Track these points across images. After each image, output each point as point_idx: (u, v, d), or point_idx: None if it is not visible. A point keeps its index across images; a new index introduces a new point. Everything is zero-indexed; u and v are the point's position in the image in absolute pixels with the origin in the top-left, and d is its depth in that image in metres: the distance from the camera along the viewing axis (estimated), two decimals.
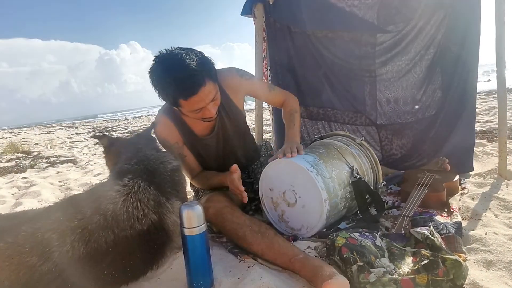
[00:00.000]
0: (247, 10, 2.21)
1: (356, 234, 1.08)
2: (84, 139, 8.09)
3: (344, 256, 0.98)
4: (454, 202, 1.46)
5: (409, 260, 1.02)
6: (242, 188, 1.25)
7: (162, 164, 1.20)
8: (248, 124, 1.64)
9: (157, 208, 1.06)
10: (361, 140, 1.49)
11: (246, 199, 1.26)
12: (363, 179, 1.32)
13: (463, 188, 1.63)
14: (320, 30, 2.12)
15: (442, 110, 1.98)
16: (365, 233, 1.13)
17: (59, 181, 3.05)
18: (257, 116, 2.34)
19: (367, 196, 1.33)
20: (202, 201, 1.37)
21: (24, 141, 7.90)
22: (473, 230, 1.22)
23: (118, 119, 23.13)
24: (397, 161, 2.13)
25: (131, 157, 1.19)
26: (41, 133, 11.68)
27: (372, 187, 1.40)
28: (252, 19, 2.22)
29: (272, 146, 2.26)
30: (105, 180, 1.45)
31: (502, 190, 1.56)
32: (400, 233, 1.19)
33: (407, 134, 2.11)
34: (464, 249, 1.08)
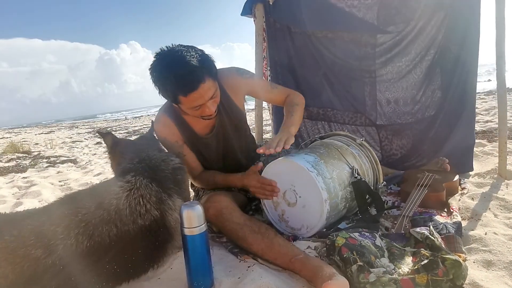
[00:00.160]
0: (247, 10, 2.22)
1: (356, 234, 1.08)
2: (85, 139, 8.09)
3: (344, 256, 0.98)
4: (454, 202, 1.46)
5: (409, 260, 1.02)
6: (274, 182, 1.28)
7: (163, 162, 1.22)
8: (248, 124, 1.64)
9: (159, 205, 1.07)
10: (362, 140, 1.49)
11: (278, 190, 1.29)
12: (363, 179, 1.32)
13: (463, 188, 1.63)
14: (320, 31, 2.12)
15: (442, 110, 1.98)
16: (365, 233, 1.13)
17: (60, 181, 3.05)
18: (257, 116, 2.34)
19: (367, 196, 1.33)
20: (202, 201, 1.37)
21: (24, 141, 7.91)
22: (473, 230, 1.22)
23: (118, 119, 23.14)
24: (397, 161, 2.13)
25: (133, 157, 1.21)
26: (41, 133, 11.69)
27: (372, 187, 1.41)
28: (252, 19, 2.23)
29: None
30: (108, 179, 1.46)
31: (502, 190, 1.56)
32: (400, 233, 1.19)
33: (407, 134, 2.11)
34: (463, 249, 1.08)
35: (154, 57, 1.25)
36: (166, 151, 1.40)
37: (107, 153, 1.40)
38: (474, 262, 1.03)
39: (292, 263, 1.01)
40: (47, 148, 6.29)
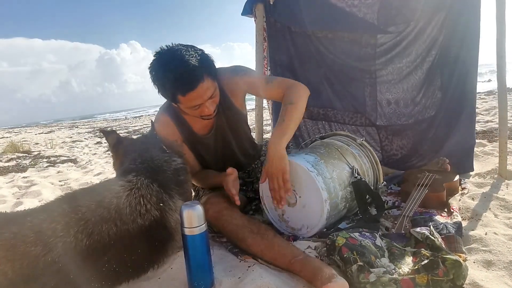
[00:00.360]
0: (248, 10, 2.21)
1: (356, 234, 1.08)
2: (85, 138, 8.10)
3: (344, 256, 0.98)
4: (454, 202, 1.46)
5: (409, 260, 1.02)
6: (234, 192, 1.25)
7: (165, 163, 1.21)
8: (248, 124, 1.63)
9: (160, 205, 1.07)
10: (362, 140, 1.49)
11: (238, 202, 1.25)
12: (363, 179, 1.32)
13: (463, 188, 1.63)
14: (320, 31, 2.12)
15: (442, 110, 1.98)
16: (365, 233, 1.13)
17: (60, 181, 3.05)
18: (257, 116, 2.34)
19: (367, 196, 1.33)
20: (201, 201, 1.37)
21: (24, 141, 7.91)
22: (473, 230, 1.22)
23: (118, 118, 23.14)
24: (397, 162, 2.13)
25: (136, 157, 1.21)
26: (42, 133, 11.69)
27: (372, 187, 1.41)
28: (252, 19, 2.23)
29: None
30: (109, 179, 1.46)
31: (502, 190, 1.56)
32: (400, 233, 1.19)
33: (407, 134, 2.11)
34: (464, 249, 1.08)
35: (154, 56, 1.25)
36: (168, 151, 1.40)
37: (109, 151, 1.39)
38: (474, 262, 1.03)
39: (291, 264, 1.01)
40: (47, 147, 6.29)
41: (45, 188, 2.67)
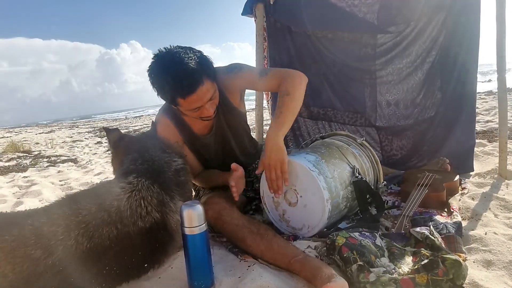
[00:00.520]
0: (248, 10, 2.22)
1: (356, 234, 1.08)
2: (85, 138, 8.10)
3: (344, 255, 0.98)
4: (454, 202, 1.46)
5: (409, 259, 1.02)
6: (233, 183, 1.26)
7: (166, 163, 1.21)
8: (248, 123, 1.63)
9: (160, 207, 1.07)
10: (362, 140, 1.49)
11: (236, 198, 1.27)
12: (364, 179, 1.32)
13: (463, 188, 1.64)
14: (320, 31, 2.12)
15: (442, 110, 1.98)
16: (365, 232, 1.13)
17: (60, 181, 3.05)
18: (257, 116, 2.34)
19: (367, 196, 1.33)
20: (201, 201, 1.37)
21: (25, 141, 7.91)
22: (473, 230, 1.22)
23: (119, 118, 23.14)
24: (397, 162, 2.14)
25: (136, 158, 1.20)
26: (42, 133, 11.69)
27: (373, 187, 1.41)
28: (252, 19, 2.23)
29: None
30: (109, 180, 1.45)
31: (502, 190, 1.56)
32: (400, 233, 1.19)
33: (407, 135, 2.11)
34: (464, 249, 1.08)
35: (152, 59, 1.24)
36: (169, 151, 1.40)
37: (109, 148, 1.38)
38: (474, 262, 1.03)
39: (291, 264, 1.01)
40: (47, 147, 6.29)
41: (46, 187, 2.67)
